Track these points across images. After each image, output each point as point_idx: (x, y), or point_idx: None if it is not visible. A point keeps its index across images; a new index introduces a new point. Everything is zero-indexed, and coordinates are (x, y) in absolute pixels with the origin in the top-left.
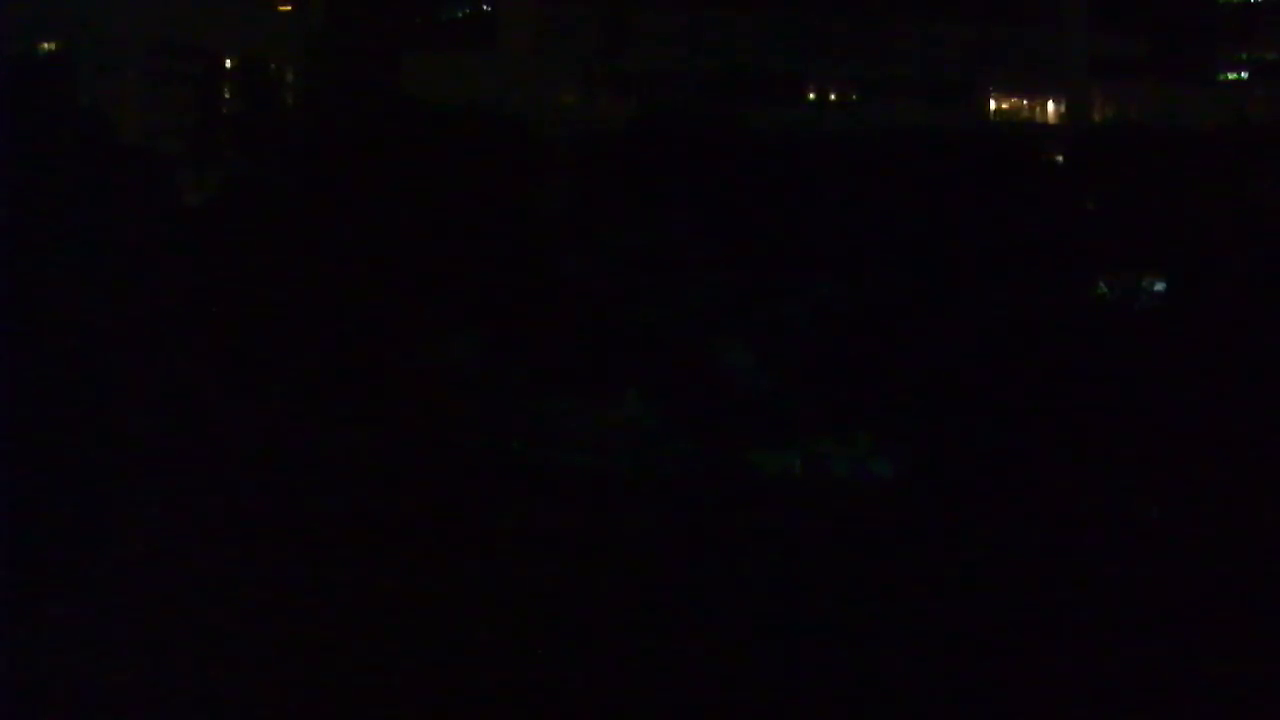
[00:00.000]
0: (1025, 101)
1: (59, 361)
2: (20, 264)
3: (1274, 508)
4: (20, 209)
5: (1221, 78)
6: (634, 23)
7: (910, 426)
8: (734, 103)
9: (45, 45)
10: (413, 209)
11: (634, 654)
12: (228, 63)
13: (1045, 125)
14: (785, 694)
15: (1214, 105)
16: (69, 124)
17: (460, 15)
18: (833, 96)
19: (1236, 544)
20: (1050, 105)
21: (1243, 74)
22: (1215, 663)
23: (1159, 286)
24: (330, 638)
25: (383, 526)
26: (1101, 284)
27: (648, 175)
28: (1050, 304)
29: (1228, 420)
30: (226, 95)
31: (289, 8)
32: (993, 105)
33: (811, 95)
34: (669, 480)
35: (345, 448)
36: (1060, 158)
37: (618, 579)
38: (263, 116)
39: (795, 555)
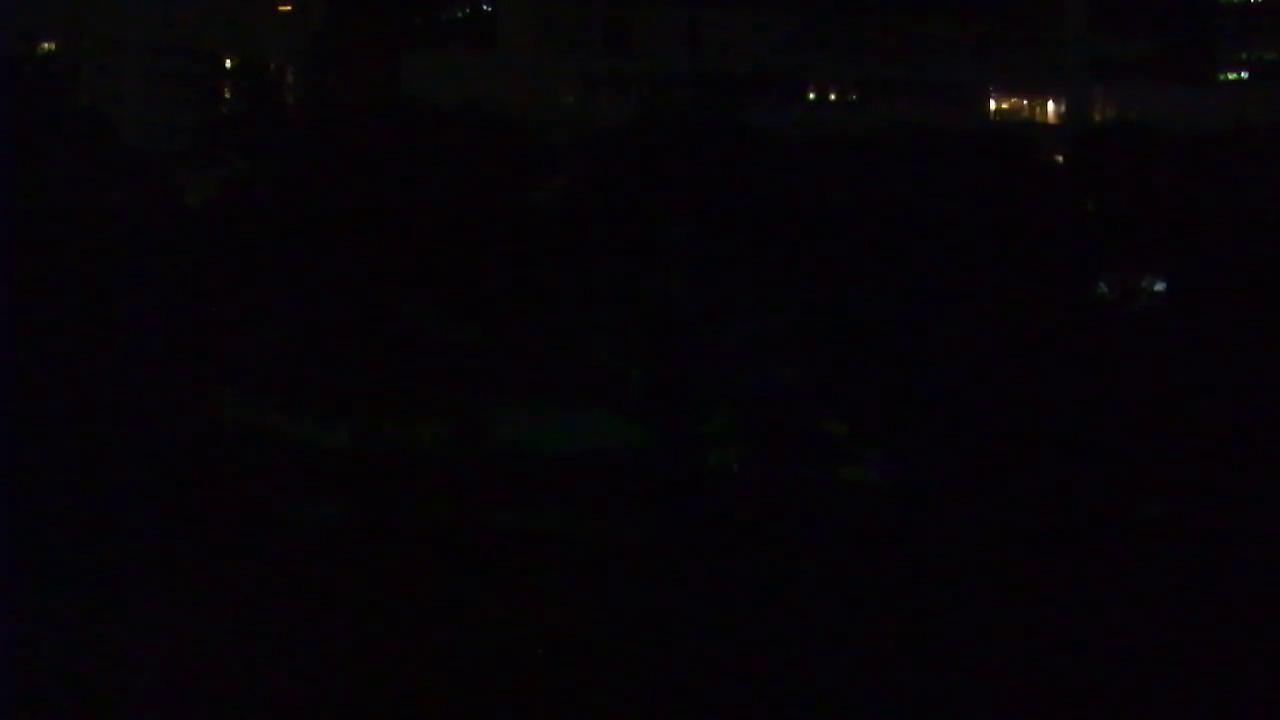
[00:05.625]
0: (1025, 101)
1: (59, 361)
2: (20, 264)
3: (1274, 508)
4: (20, 209)
5: (1221, 78)
6: (634, 23)
7: (910, 427)
8: (734, 103)
9: (45, 45)
10: (412, 209)
11: (628, 655)
12: (228, 63)
13: (1045, 125)
14: (780, 695)
15: (1214, 105)
16: (69, 124)
17: (460, 15)
18: (833, 96)
19: (1237, 544)
20: (1050, 105)
21: (1243, 74)
22: (1215, 663)
23: (1159, 286)
24: (328, 640)
25: (381, 526)
26: (1101, 284)
27: (647, 175)
28: (1050, 304)
29: (1228, 420)
30: (226, 95)
31: (289, 8)
32: (993, 105)
33: (811, 95)
34: (664, 480)
35: (343, 447)
36: (1060, 158)
37: (612, 580)
38: (263, 116)
39: (794, 558)
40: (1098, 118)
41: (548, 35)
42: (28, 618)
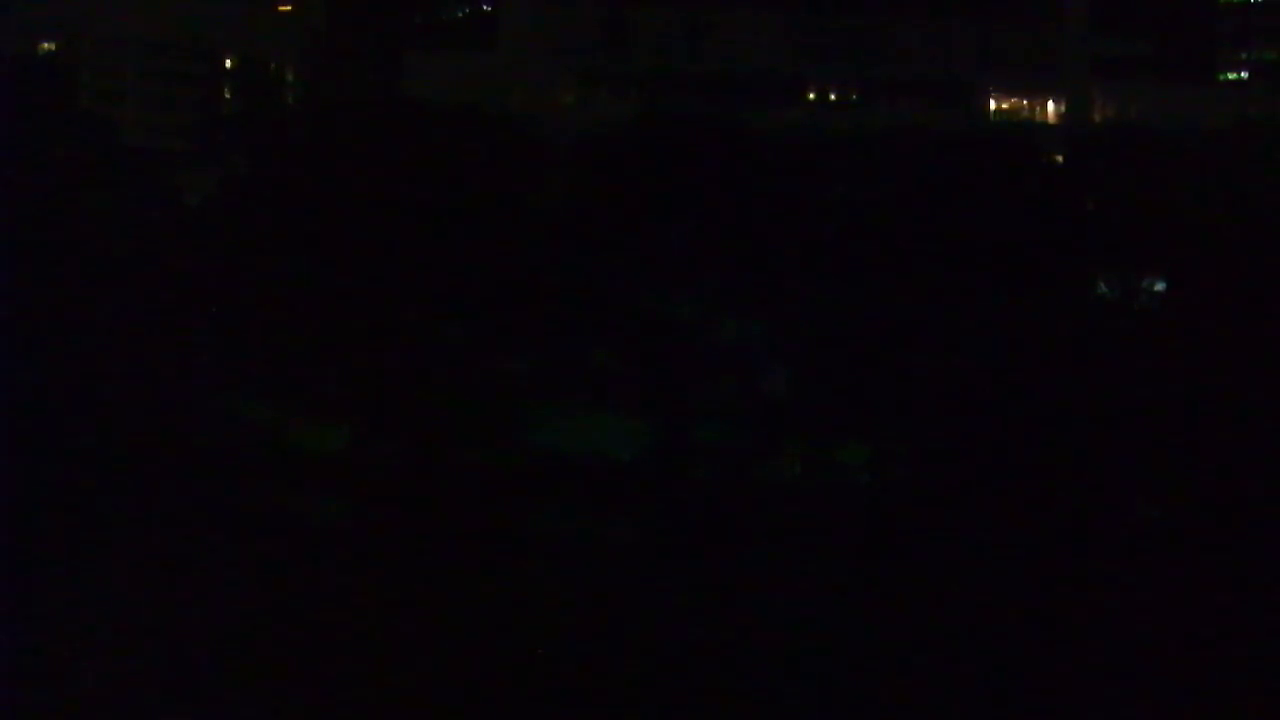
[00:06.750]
0: (1025, 101)
1: (59, 360)
2: (20, 263)
3: (1274, 508)
4: (20, 209)
5: (1221, 77)
6: (634, 23)
7: (910, 428)
8: (734, 103)
9: (45, 45)
10: (412, 208)
11: (629, 656)
12: (228, 63)
13: (1045, 125)
14: (778, 695)
15: (1214, 105)
16: (69, 124)
17: (460, 15)
18: (833, 96)
19: (1236, 544)
20: (1050, 105)
21: (1243, 74)
22: (1215, 663)
23: (1159, 286)
24: (329, 641)
25: (381, 527)
26: (1101, 284)
27: (647, 175)
28: (1050, 304)
29: (1228, 420)
30: (226, 95)
31: (289, 8)
32: (993, 105)
33: (811, 95)
34: (664, 481)
35: (343, 446)
36: (1060, 158)
37: (614, 581)
38: (263, 116)
39: (794, 558)
40: (1098, 118)
41: (548, 35)
42: (27, 616)
